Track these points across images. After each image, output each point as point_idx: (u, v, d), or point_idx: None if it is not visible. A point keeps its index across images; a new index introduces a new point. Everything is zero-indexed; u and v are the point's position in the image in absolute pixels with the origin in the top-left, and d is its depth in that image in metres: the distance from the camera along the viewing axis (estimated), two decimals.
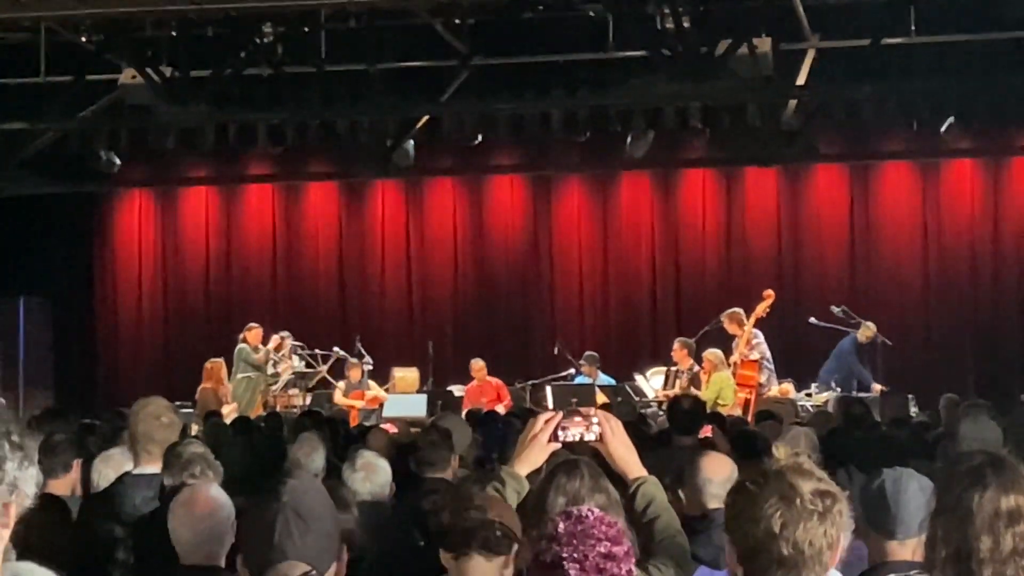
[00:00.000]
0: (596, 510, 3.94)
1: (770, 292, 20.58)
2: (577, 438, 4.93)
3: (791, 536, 3.58)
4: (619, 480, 5.10)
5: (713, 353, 19.82)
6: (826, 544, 3.61)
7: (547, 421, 4.95)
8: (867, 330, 20.83)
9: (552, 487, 4.78)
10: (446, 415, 11.72)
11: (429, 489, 7.98)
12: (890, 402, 18.41)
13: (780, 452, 3.80)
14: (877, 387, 20.22)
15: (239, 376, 21.18)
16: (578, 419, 4.95)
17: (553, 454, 5.04)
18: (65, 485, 7.79)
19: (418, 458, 8.59)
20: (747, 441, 9.39)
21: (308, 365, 21.98)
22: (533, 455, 4.97)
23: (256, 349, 21.55)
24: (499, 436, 11.53)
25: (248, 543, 3.78)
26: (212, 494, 5.74)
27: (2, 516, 2.69)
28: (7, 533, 2.73)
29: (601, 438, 4.94)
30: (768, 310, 20.42)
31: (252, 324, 21.93)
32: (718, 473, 6.40)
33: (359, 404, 20.85)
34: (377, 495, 8.02)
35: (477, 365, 21.42)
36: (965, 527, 3.97)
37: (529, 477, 5.05)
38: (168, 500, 6.58)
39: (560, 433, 4.91)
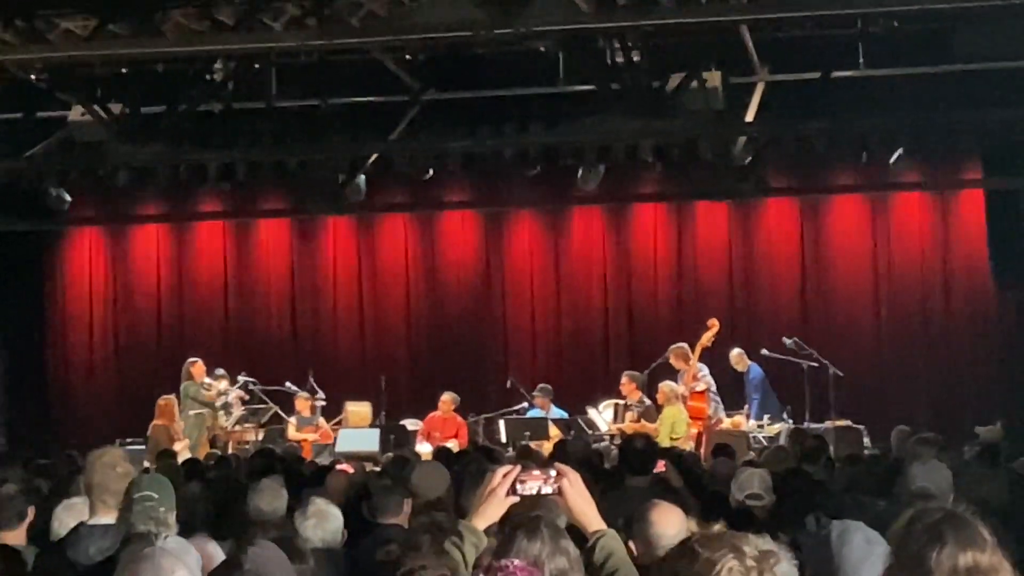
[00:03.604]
0: (516, 561, 3.95)
1: (714, 321, 20.66)
2: (535, 491, 4.90)
3: None
4: (577, 531, 5.10)
5: (667, 385, 19.84)
6: None
7: (505, 475, 4.93)
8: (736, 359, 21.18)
9: (512, 549, 4.76)
10: (425, 462, 11.43)
11: (383, 537, 7.92)
12: (844, 437, 18.45)
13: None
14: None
15: (190, 413, 21.00)
16: (536, 472, 4.93)
17: (511, 507, 5.03)
18: (19, 535, 7.74)
19: (371, 505, 8.54)
20: (702, 482, 9.41)
21: (259, 400, 21.82)
22: (491, 509, 4.94)
23: (204, 385, 21.41)
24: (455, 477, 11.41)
25: None
26: (208, 551, 5.71)
27: None
28: None
29: (560, 491, 4.93)
30: (713, 339, 20.50)
31: (194, 358, 21.72)
32: (670, 527, 6.21)
33: (311, 438, 20.82)
34: (329, 543, 7.94)
35: (447, 398, 21.25)
36: None
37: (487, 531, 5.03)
38: (124, 548, 6.56)
39: (518, 486, 4.89)
